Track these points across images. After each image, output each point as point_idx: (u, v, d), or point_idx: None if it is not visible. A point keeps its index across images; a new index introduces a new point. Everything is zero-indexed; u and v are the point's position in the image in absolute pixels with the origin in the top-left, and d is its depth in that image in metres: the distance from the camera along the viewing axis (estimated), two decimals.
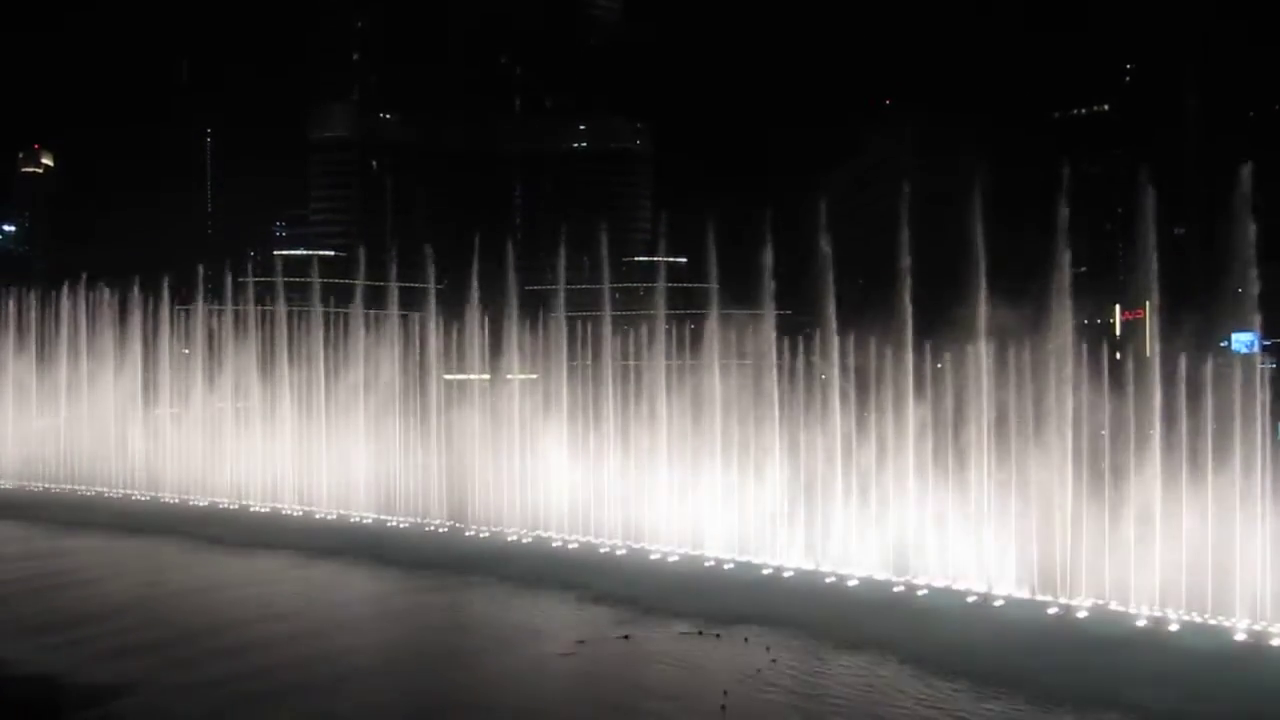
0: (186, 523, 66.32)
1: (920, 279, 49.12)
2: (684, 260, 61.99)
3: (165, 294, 79.77)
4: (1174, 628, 38.99)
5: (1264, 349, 42.88)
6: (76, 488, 79.19)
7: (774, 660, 37.67)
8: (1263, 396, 40.02)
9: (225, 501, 72.21)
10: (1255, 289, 40.38)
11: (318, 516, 67.36)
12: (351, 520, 65.93)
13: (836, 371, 52.39)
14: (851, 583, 47.32)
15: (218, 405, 76.35)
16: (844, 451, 50.63)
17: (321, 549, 57.80)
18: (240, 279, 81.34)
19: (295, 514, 68.47)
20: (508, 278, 66.50)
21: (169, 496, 74.82)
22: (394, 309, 71.42)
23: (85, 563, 55.85)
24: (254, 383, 74.82)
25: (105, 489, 77.78)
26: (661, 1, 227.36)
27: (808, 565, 49.71)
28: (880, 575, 47.24)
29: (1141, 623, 39.56)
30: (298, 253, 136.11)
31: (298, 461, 71.13)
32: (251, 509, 70.21)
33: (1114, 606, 41.15)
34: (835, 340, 52.14)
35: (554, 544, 57.54)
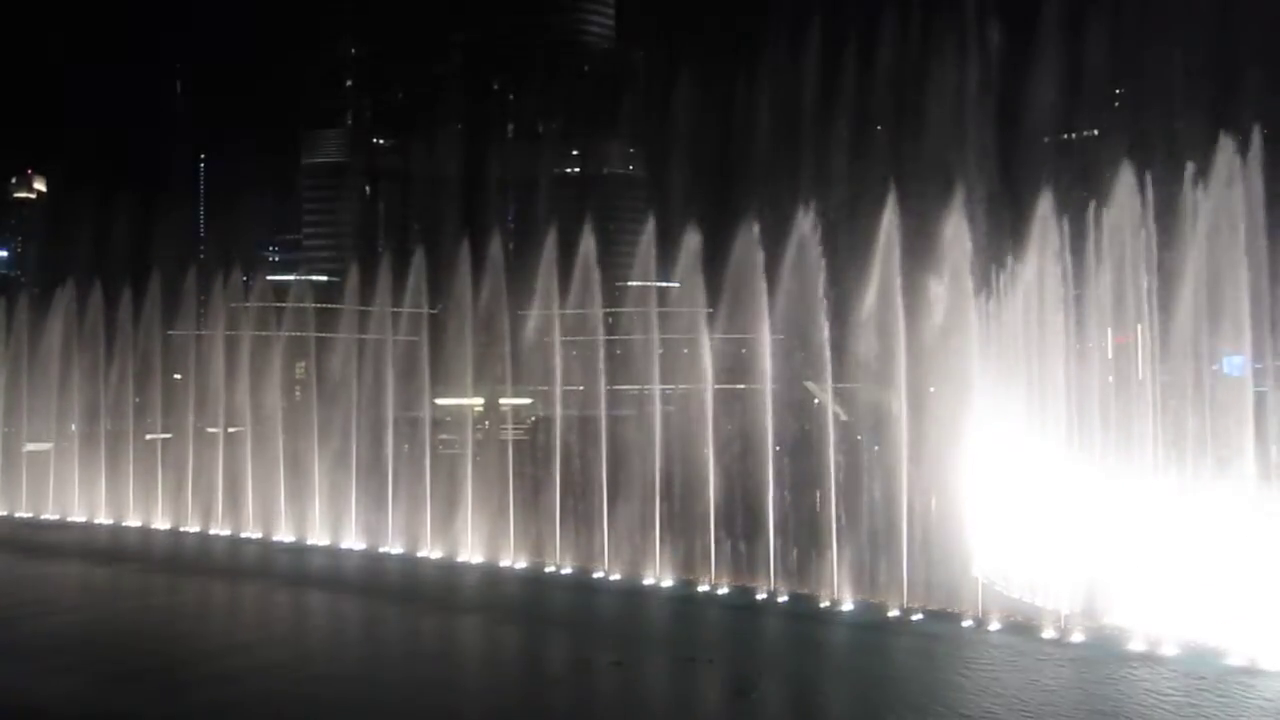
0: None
1: (909, 302, 49.16)
2: (676, 285, 61.92)
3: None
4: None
5: (1256, 372, 42.96)
6: None
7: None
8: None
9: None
10: (1246, 312, 40.49)
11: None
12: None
13: (830, 397, 52.42)
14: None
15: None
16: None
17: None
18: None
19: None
20: (500, 301, 66.55)
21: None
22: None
23: None
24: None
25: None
26: (655, 27, 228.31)
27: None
28: None
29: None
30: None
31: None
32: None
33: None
34: (828, 365, 52.18)
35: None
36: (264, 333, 77.09)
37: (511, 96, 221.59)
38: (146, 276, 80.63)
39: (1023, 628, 42.29)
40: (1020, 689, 35.33)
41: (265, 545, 68.47)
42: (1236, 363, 43.36)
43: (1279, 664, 36.39)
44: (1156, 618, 39.22)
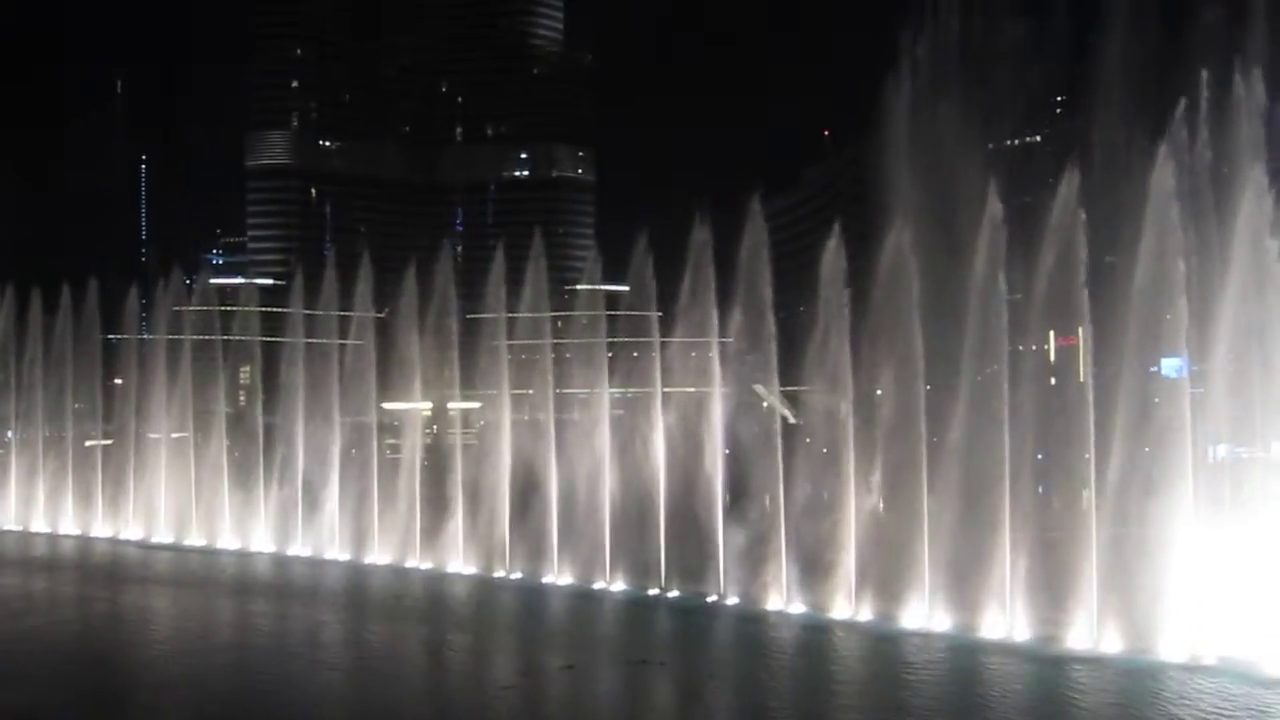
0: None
1: (857, 308, 49.53)
2: (625, 289, 61.93)
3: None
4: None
5: (1192, 374, 43.76)
6: None
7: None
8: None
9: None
10: (1184, 315, 41.26)
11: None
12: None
13: (777, 400, 52.69)
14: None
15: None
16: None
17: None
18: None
19: None
20: (448, 305, 66.08)
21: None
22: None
23: None
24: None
25: None
26: (602, 30, 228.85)
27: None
28: None
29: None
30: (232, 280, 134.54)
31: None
32: None
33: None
34: (775, 368, 52.47)
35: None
36: (207, 337, 75.92)
37: (460, 99, 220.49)
38: (85, 281, 79.06)
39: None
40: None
41: (206, 554, 67.55)
42: (1174, 365, 44.21)
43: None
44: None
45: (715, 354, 54.29)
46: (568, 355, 63.80)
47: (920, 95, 51.63)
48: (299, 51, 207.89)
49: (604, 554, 54.51)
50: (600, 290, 63.26)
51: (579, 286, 67.06)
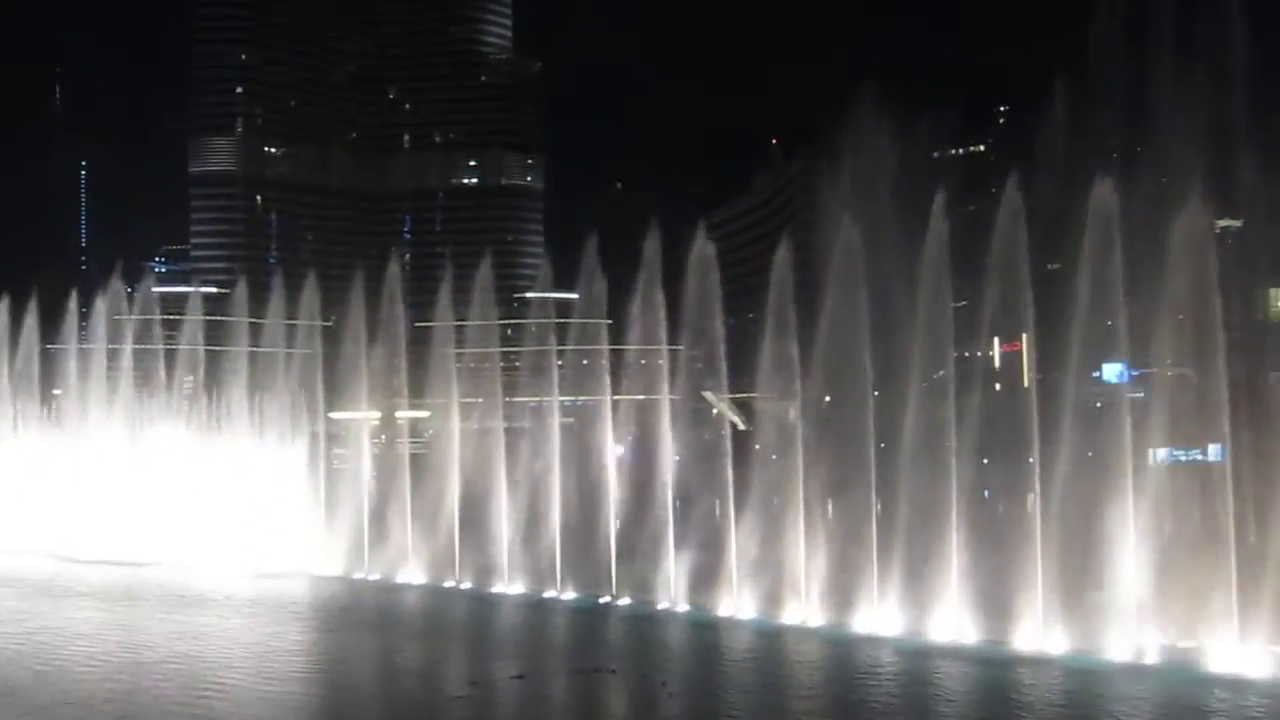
0: None
1: (806, 315, 49.89)
2: (575, 296, 61.89)
3: None
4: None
5: (1133, 379, 44.63)
6: None
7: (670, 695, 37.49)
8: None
9: None
10: (1124, 321, 42.07)
11: None
12: None
13: (726, 406, 52.96)
14: None
15: None
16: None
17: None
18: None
19: None
20: (396, 313, 65.63)
21: None
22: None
23: None
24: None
25: None
26: (551, 38, 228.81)
27: None
28: None
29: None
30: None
31: None
32: None
33: None
34: (725, 376, 52.72)
35: None
36: (149, 346, 74.73)
37: (408, 106, 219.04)
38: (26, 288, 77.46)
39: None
40: None
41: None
42: (1115, 370, 45.06)
43: None
44: None
45: (665, 361, 54.44)
46: (517, 363, 63.67)
47: (867, 104, 52.18)
48: (243, 56, 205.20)
49: (554, 562, 54.36)
50: (550, 298, 63.23)
51: (528, 294, 66.92)
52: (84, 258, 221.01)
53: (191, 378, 76.33)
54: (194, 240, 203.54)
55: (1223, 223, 50.50)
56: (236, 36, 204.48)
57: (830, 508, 50.51)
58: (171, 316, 78.06)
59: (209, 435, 71.51)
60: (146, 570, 64.24)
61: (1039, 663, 38.86)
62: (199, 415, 73.06)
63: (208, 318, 77.74)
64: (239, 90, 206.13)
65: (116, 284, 78.56)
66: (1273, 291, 65.33)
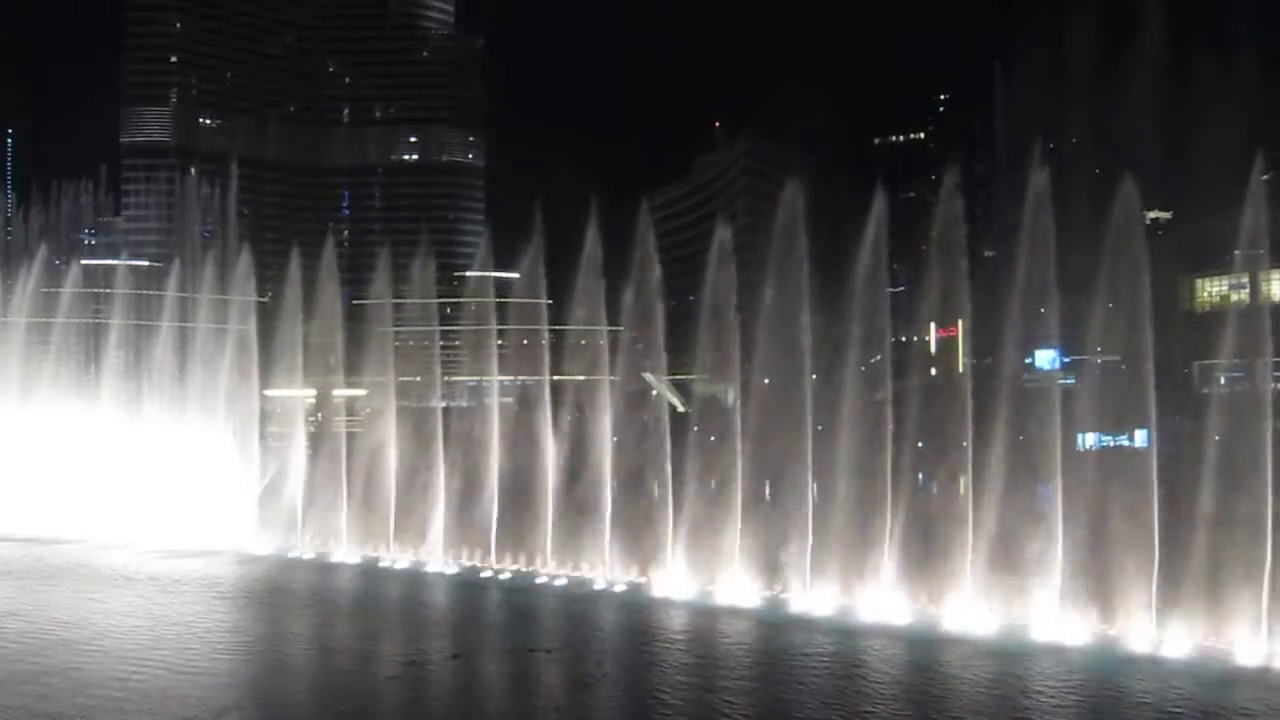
0: None
1: (748, 297, 50.10)
2: (516, 275, 61.50)
3: None
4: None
5: (1064, 365, 45.47)
6: None
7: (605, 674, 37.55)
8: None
9: None
10: (1056, 309, 42.81)
11: None
12: None
13: (666, 388, 53.01)
14: None
15: None
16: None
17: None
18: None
19: None
20: (333, 289, 64.67)
21: None
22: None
23: None
24: None
25: None
26: (493, 14, 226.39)
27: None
28: None
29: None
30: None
31: None
32: None
33: None
34: (664, 357, 52.76)
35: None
36: (78, 319, 72.93)
37: (348, 80, 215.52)
38: None
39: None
40: None
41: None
42: (1048, 356, 45.87)
43: None
44: None
45: (604, 342, 54.36)
46: (456, 342, 63.15)
47: (807, 89, 52.37)
48: (178, 25, 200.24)
49: (490, 541, 54.18)
50: (490, 276, 62.76)
51: (468, 273, 66.34)
52: (9, 229, 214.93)
53: (121, 353, 74.62)
54: (125, 213, 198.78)
55: (1153, 214, 51.59)
56: (171, 3, 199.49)
57: (768, 490, 50.88)
58: (100, 290, 76.14)
59: (138, 412, 70.03)
60: (68, 547, 62.92)
61: (963, 642, 39.51)
62: (128, 391, 71.45)
63: (137, 292, 75.82)
64: (173, 59, 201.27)
65: (42, 255, 76.45)
66: (1200, 281, 66.99)
